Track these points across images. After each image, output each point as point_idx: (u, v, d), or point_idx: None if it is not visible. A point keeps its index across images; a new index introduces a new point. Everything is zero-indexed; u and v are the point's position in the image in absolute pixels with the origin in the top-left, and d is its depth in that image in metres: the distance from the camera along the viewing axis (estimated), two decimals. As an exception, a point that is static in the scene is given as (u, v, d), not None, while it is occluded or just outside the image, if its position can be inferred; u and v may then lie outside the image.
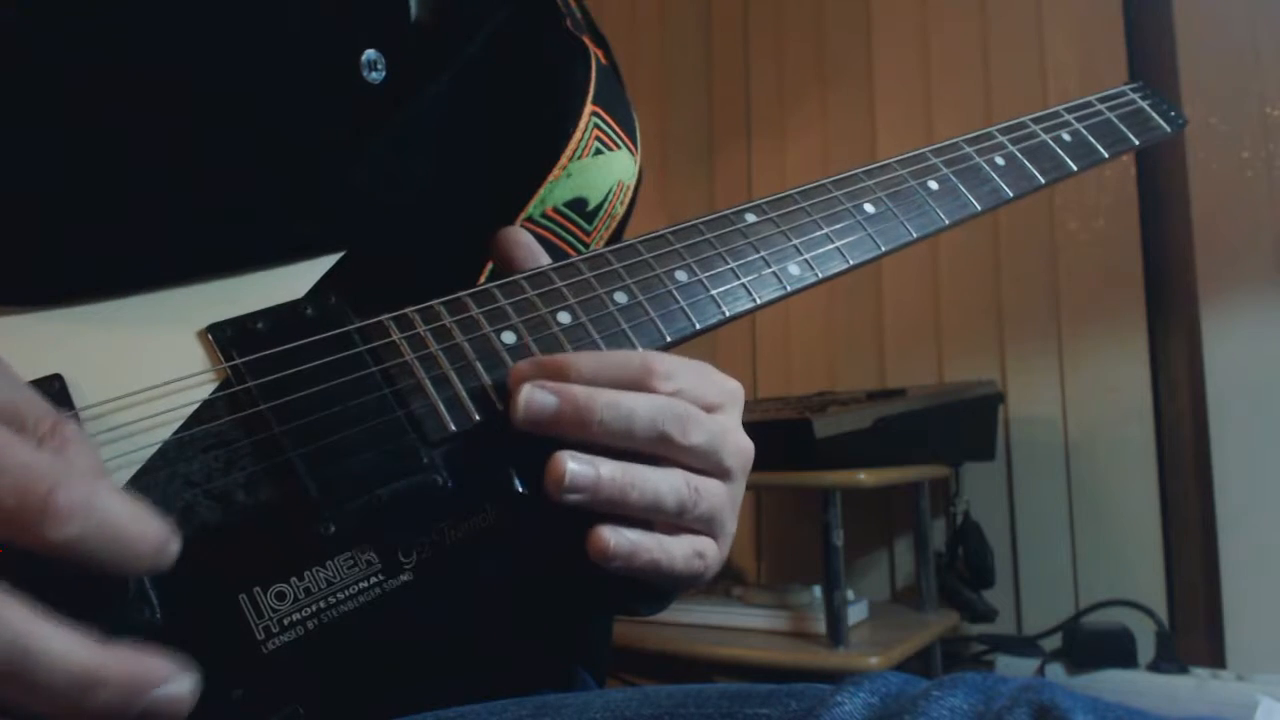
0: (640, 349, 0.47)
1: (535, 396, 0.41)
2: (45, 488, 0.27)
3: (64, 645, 0.27)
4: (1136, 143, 0.69)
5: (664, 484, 0.43)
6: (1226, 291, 1.65)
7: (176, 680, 0.29)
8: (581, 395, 0.42)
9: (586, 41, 0.60)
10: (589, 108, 0.56)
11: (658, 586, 0.49)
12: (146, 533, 0.29)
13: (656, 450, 0.43)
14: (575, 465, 0.41)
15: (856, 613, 1.57)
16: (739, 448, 0.47)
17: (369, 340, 0.43)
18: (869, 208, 0.56)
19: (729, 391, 0.47)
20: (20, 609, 0.27)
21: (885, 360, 1.98)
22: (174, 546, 0.30)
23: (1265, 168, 1.65)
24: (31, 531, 0.27)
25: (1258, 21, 1.65)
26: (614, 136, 0.58)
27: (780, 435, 1.38)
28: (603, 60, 0.61)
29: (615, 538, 0.42)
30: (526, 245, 0.49)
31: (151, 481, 0.37)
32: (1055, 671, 1.62)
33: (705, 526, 0.45)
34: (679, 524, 0.44)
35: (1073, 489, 1.77)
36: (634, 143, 0.61)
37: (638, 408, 0.42)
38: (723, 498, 0.46)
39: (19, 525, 0.27)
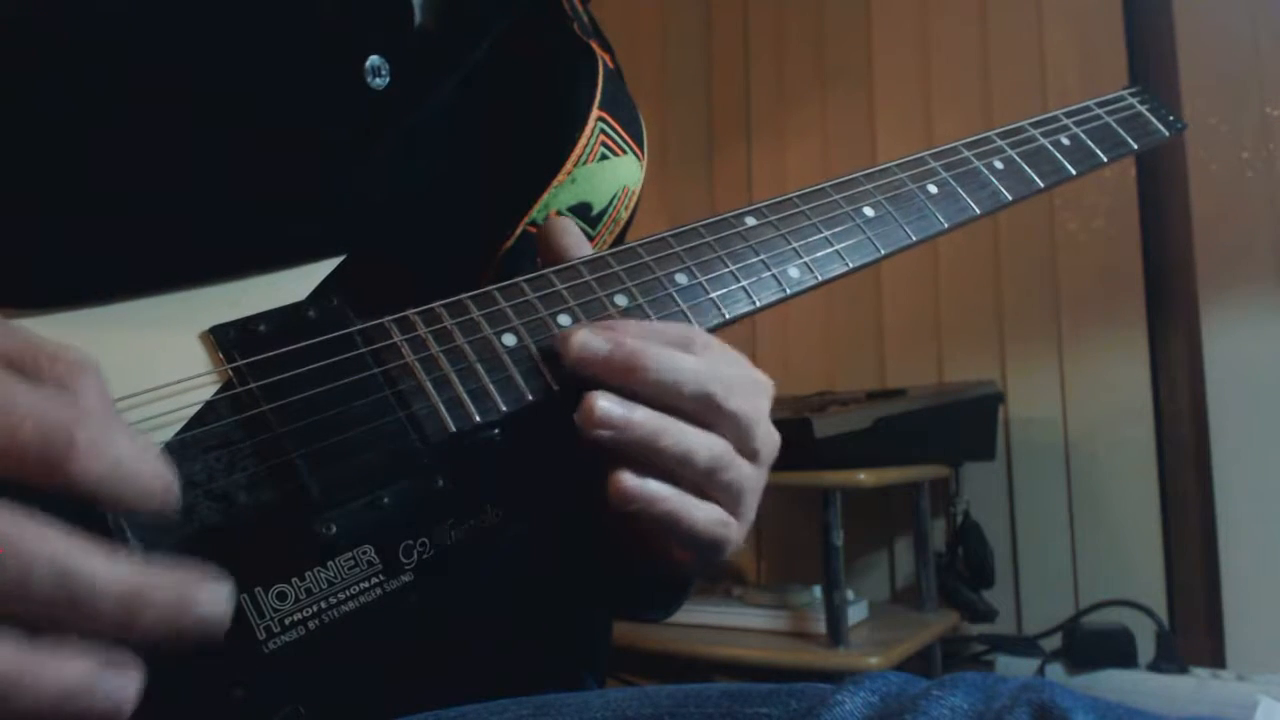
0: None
1: (590, 339, 0.43)
2: (67, 428, 0.28)
3: (108, 566, 0.28)
4: (1135, 147, 0.69)
5: (696, 439, 0.43)
6: (1226, 291, 1.65)
7: (218, 595, 0.30)
8: (632, 344, 0.43)
9: (593, 46, 0.60)
10: (595, 113, 0.56)
11: (670, 568, 0.49)
12: (157, 470, 0.30)
13: (697, 410, 0.43)
14: (608, 402, 0.41)
15: (856, 613, 1.57)
16: (769, 434, 0.47)
17: (370, 342, 0.43)
18: (868, 211, 0.56)
19: (763, 383, 0.47)
20: (61, 535, 0.27)
21: (885, 360, 1.99)
22: (177, 489, 0.31)
23: (1265, 168, 1.65)
24: (58, 470, 0.28)
25: (1258, 21, 1.65)
26: (620, 142, 0.58)
27: (780, 435, 1.38)
28: (609, 64, 0.61)
29: (636, 479, 0.42)
30: (576, 234, 0.49)
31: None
32: (1055, 671, 1.62)
33: (730, 499, 0.45)
34: (706, 486, 0.44)
35: (1073, 489, 1.77)
36: (640, 148, 0.61)
37: (685, 364, 0.43)
38: (750, 477, 0.46)
39: (45, 465, 0.28)
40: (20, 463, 0.28)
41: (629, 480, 0.42)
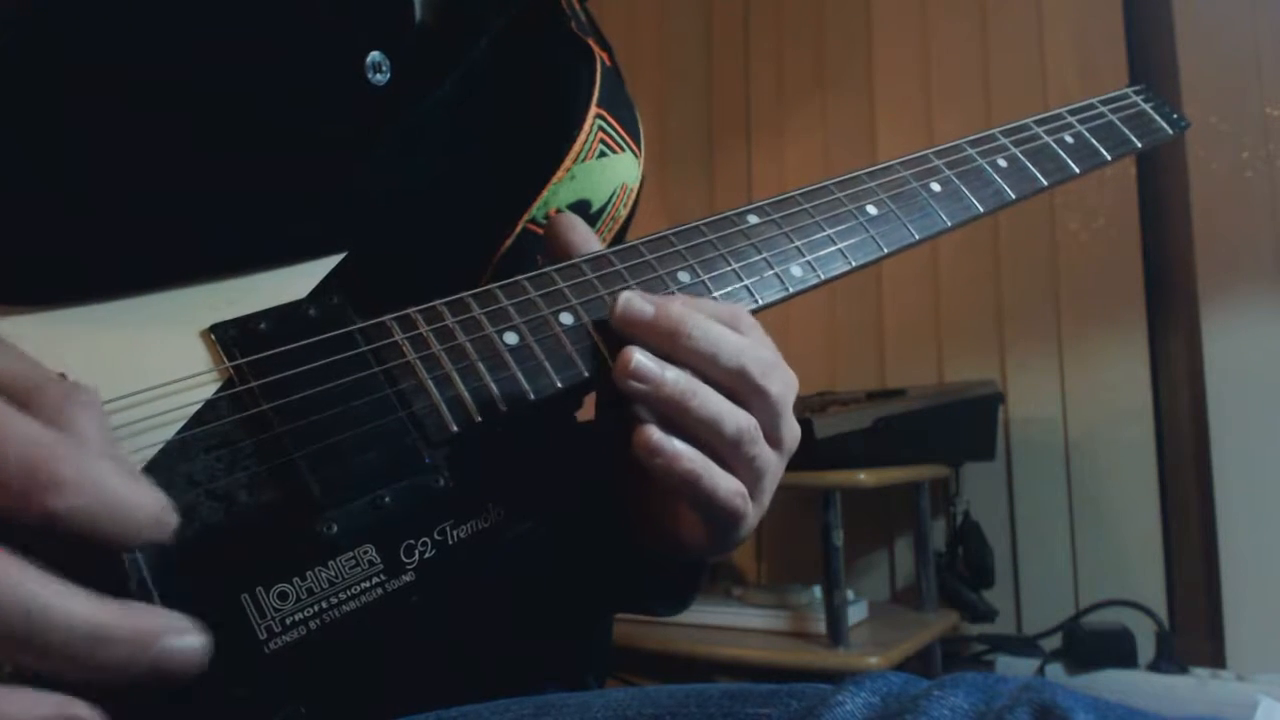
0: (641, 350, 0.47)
1: (636, 300, 0.44)
2: (48, 460, 0.27)
3: (70, 603, 0.27)
4: (1139, 145, 0.69)
5: (725, 409, 0.44)
6: (1226, 291, 1.65)
7: (186, 633, 0.29)
8: (677, 310, 0.44)
9: (591, 44, 0.60)
10: (593, 110, 0.56)
11: (684, 545, 0.49)
12: (144, 502, 0.30)
13: (732, 384, 0.44)
14: (643, 357, 0.43)
15: (856, 613, 1.57)
16: (793, 426, 0.48)
17: (371, 340, 0.43)
18: (871, 209, 0.56)
19: (792, 378, 0.48)
20: (24, 569, 0.27)
21: (885, 360, 1.99)
22: (171, 518, 0.31)
23: (1265, 168, 1.65)
24: (36, 502, 0.27)
25: (1258, 21, 1.65)
26: (618, 139, 0.58)
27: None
28: (607, 62, 0.61)
29: (662, 433, 0.43)
30: (583, 230, 0.50)
31: (154, 481, 0.37)
32: (1055, 671, 1.62)
33: (750, 476, 0.46)
34: (729, 457, 0.45)
35: (1073, 489, 1.77)
36: (638, 145, 0.61)
37: (726, 337, 0.44)
38: (772, 461, 0.47)
39: (24, 497, 0.27)
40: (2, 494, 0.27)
41: (655, 434, 0.42)
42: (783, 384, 0.46)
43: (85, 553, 0.29)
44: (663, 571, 0.55)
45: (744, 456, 0.45)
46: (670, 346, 0.44)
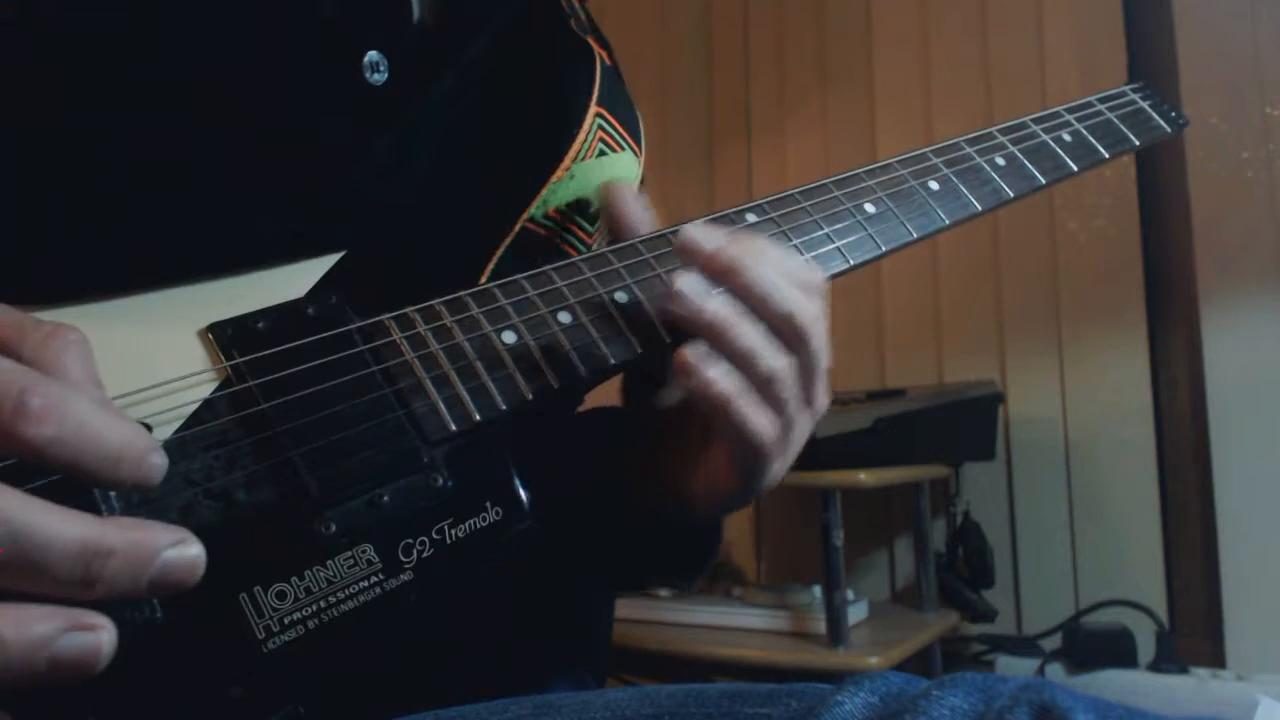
0: (640, 350, 0.47)
1: (699, 233, 0.46)
2: (16, 390, 0.28)
3: (61, 521, 0.27)
4: (1137, 143, 0.69)
5: (765, 345, 0.45)
6: (1226, 291, 1.65)
7: (186, 543, 0.29)
8: (737, 250, 0.45)
9: (591, 42, 0.60)
10: (593, 109, 0.56)
11: (707, 494, 0.50)
12: (126, 437, 0.30)
13: (777, 327, 0.46)
14: (690, 280, 0.45)
15: (856, 613, 1.57)
16: (824, 393, 0.50)
17: (370, 339, 0.43)
18: (870, 208, 0.56)
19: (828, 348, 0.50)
20: (12, 493, 0.27)
21: (885, 360, 1.98)
22: (156, 458, 0.31)
23: (1265, 168, 1.65)
24: (8, 432, 0.27)
25: (1258, 21, 1.65)
26: (617, 138, 0.58)
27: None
28: (607, 61, 0.61)
29: (699, 355, 0.44)
30: (639, 204, 0.51)
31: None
32: (1055, 671, 1.62)
33: (781, 421, 0.47)
34: (763, 395, 0.46)
35: (1073, 489, 1.77)
36: (638, 144, 0.61)
37: (780, 285, 0.46)
38: (803, 420, 0.48)
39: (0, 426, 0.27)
40: None
41: (692, 353, 0.44)
42: (823, 342, 0.47)
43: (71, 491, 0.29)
44: (681, 537, 0.56)
45: (776, 397, 0.46)
46: (728, 280, 0.45)
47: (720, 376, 0.44)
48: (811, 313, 0.46)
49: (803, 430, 0.49)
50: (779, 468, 0.49)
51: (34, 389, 0.28)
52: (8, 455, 0.28)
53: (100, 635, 0.28)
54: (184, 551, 0.30)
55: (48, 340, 0.31)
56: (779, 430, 0.47)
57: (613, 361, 0.46)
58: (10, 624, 0.26)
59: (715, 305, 0.45)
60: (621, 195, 0.51)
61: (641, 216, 0.51)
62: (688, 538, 0.57)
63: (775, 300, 0.45)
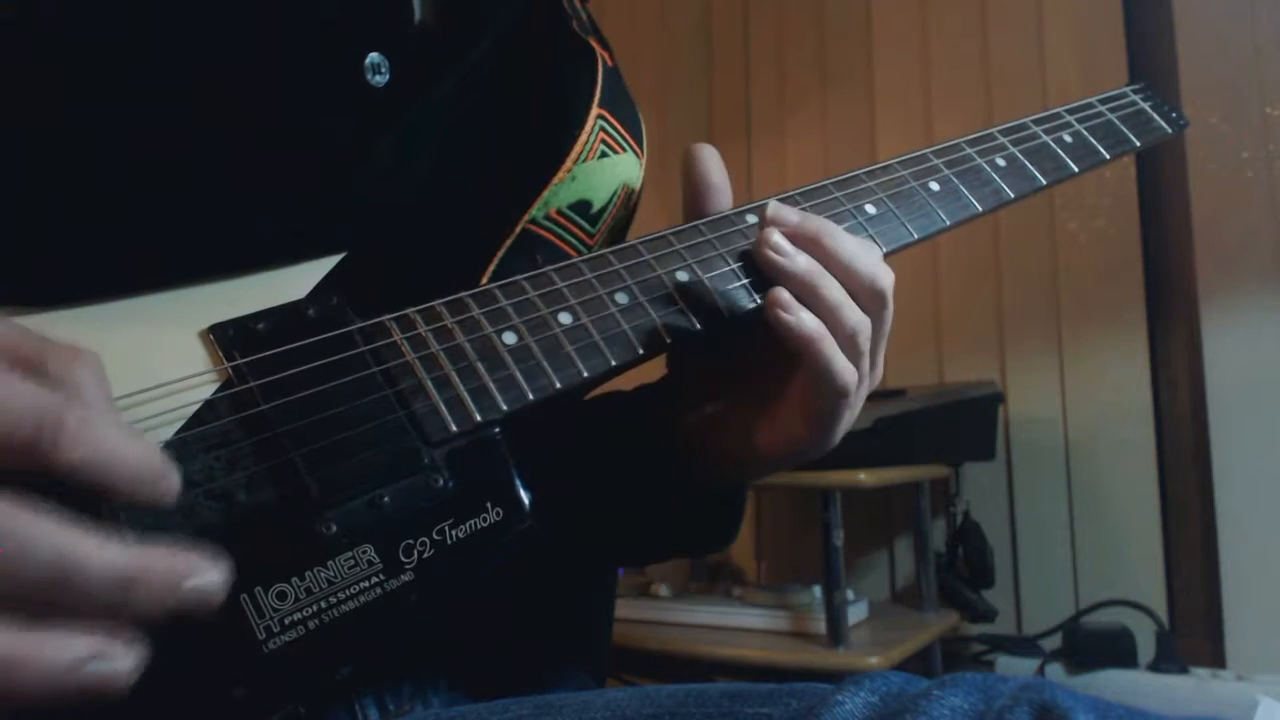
0: (641, 351, 0.47)
1: (787, 207, 0.50)
2: (53, 415, 0.29)
3: (101, 549, 0.29)
4: (1137, 144, 0.69)
5: (849, 305, 0.48)
6: (1226, 291, 1.65)
7: (208, 570, 0.31)
8: (823, 223, 0.50)
9: (592, 43, 0.60)
10: (595, 110, 0.56)
11: (781, 441, 0.52)
12: (144, 456, 0.31)
13: (860, 290, 0.49)
14: (781, 238, 0.49)
15: (856, 613, 1.57)
16: (880, 366, 0.53)
17: (370, 341, 0.43)
18: (870, 208, 0.56)
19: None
20: (53, 521, 0.28)
21: (885, 360, 1.98)
22: (174, 478, 0.32)
23: (1265, 168, 1.65)
24: (47, 455, 0.29)
25: (1258, 21, 1.65)
26: (619, 139, 0.58)
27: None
28: (609, 62, 0.61)
29: (792, 297, 0.47)
30: (721, 173, 0.54)
31: None
32: (1055, 671, 1.62)
33: (859, 373, 0.49)
34: (845, 346, 0.48)
35: (1073, 489, 1.77)
36: (640, 146, 0.61)
37: (862, 253, 0.49)
38: (866, 380, 0.51)
39: (35, 451, 0.29)
40: (12, 450, 0.29)
41: (785, 293, 0.47)
42: (891, 314, 0.51)
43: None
44: (718, 502, 0.58)
45: (858, 349, 0.49)
46: (812, 248, 0.49)
47: (810, 318, 0.47)
48: (889, 278, 0.50)
49: (862, 396, 0.52)
50: (848, 422, 0.51)
51: (68, 413, 0.29)
52: (39, 475, 0.29)
53: (126, 660, 0.29)
54: (210, 580, 0.31)
55: (69, 363, 0.32)
56: (857, 380, 0.49)
57: (614, 363, 0.46)
58: (48, 646, 0.28)
59: (807, 260, 0.48)
60: (705, 160, 0.53)
61: (721, 184, 0.53)
62: (722, 501, 0.58)
63: (860, 264, 0.49)
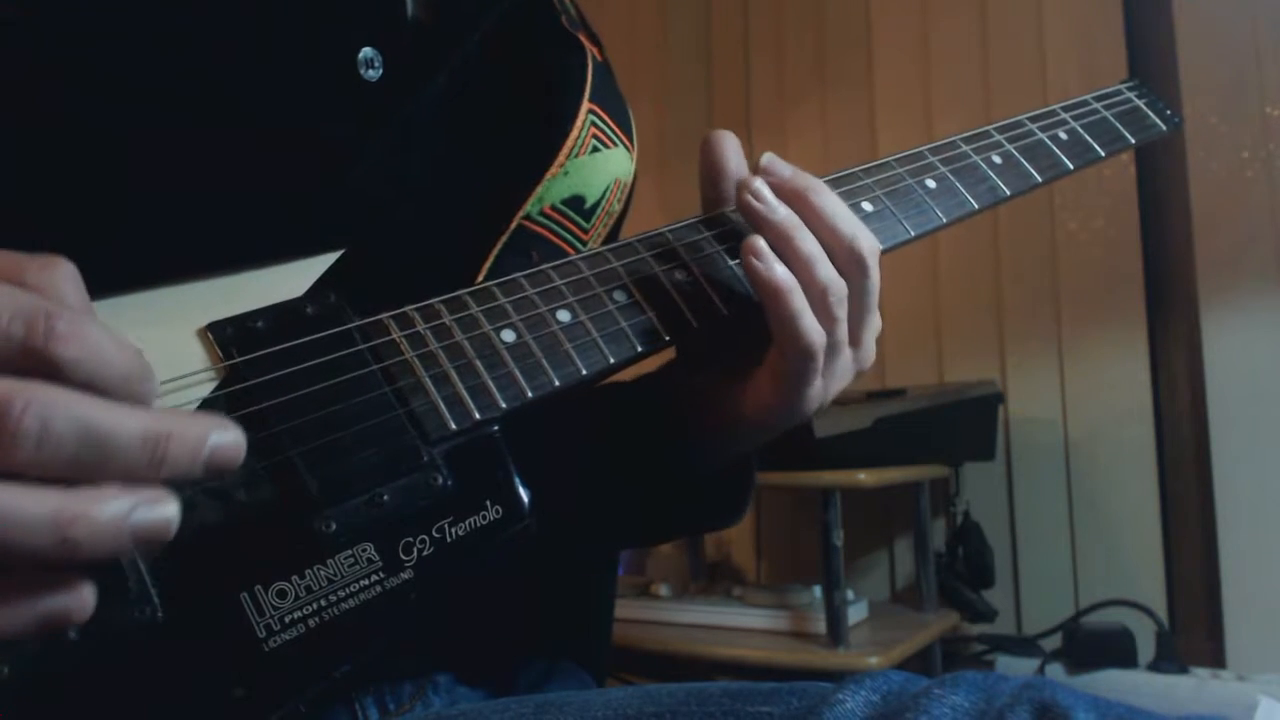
0: (639, 348, 0.47)
1: (781, 162, 0.50)
2: (47, 316, 0.30)
3: (123, 413, 0.30)
4: (1133, 141, 0.69)
5: (823, 261, 0.48)
6: (1226, 291, 1.65)
7: (229, 428, 0.32)
8: (814, 180, 0.50)
9: (582, 39, 0.60)
10: (586, 105, 0.56)
11: (752, 409, 0.52)
12: (132, 357, 0.32)
13: (839, 249, 0.49)
14: (764, 186, 0.49)
15: (856, 613, 1.57)
16: (870, 346, 0.53)
17: (369, 338, 0.43)
18: (867, 206, 0.56)
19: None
20: (77, 395, 0.30)
21: (885, 360, 1.98)
22: (155, 382, 0.33)
23: (1265, 168, 1.64)
24: (43, 353, 0.30)
25: (1258, 21, 1.65)
26: (611, 134, 0.58)
27: (779, 435, 1.38)
28: (598, 57, 0.61)
29: (766, 246, 0.47)
30: (739, 158, 0.54)
31: None
32: (1055, 671, 1.62)
33: (830, 341, 0.49)
34: (817, 305, 0.48)
35: (1073, 489, 1.77)
36: (630, 140, 0.61)
37: (848, 215, 0.49)
38: (847, 357, 0.51)
39: (32, 351, 0.30)
40: (9, 352, 0.29)
41: (760, 242, 0.47)
42: (875, 284, 0.50)
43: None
44: (718, 476, 0.58)
45: (830, 310, 0.48)
46: (797, 203, 0.49)
47: (782, 270, 0.47)
48: (871, 244, 0.49)
49: (844, 369, 0.51)
50: (818, 391, 0.50)
51: (57, 313, 0.30)
52: (36, 373, 0.29)
53: (169, 506, 0.31)
54: (230, 435, 0.32)
55: (46, 271, 0.32)
56: (825, 345, 0.48)
57: (612, 360, 0.46)
58: (95, 502, 0.29)
59: (787, 210, 0.48)
60: (723, 146, 0.53)
61: (739, 169, 0.53)
62: (730, 476, 0.59)
63: (843, 224, 0.49)
